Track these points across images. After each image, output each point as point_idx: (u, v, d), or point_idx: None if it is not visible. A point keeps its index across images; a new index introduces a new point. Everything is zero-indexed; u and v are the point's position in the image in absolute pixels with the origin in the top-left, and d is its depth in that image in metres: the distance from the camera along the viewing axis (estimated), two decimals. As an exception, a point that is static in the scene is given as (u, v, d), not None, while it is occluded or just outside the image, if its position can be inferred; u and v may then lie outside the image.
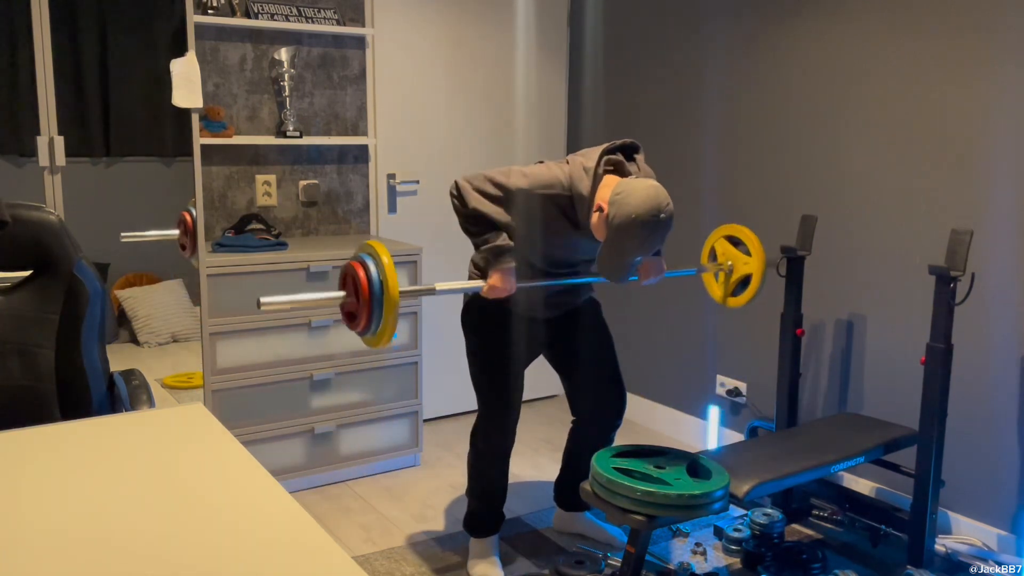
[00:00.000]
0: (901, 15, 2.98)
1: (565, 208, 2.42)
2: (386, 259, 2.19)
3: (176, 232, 3.27)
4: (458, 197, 2.46)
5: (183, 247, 3.21)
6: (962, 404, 2.84)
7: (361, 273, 2.21)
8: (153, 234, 3.36)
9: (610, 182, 2.34)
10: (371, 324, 2.22)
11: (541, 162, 2.52)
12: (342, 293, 2.28)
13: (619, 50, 4.12)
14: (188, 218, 3.12)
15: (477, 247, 2.49)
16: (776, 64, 3.41)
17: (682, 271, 2.92)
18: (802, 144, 3.35)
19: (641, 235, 2.22)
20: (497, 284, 2.41)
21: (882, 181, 3.09)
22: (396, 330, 2.24)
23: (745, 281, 2.91)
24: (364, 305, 2.20)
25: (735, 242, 2.94)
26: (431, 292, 2.39)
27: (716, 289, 2.99)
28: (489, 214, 2.43)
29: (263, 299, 2.14)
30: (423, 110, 3.96)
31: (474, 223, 2.46)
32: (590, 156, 2.42)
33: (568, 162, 2.46)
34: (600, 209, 2.31)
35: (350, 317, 2.29)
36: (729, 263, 2.92)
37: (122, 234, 3.25)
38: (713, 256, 2.99)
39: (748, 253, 2.88)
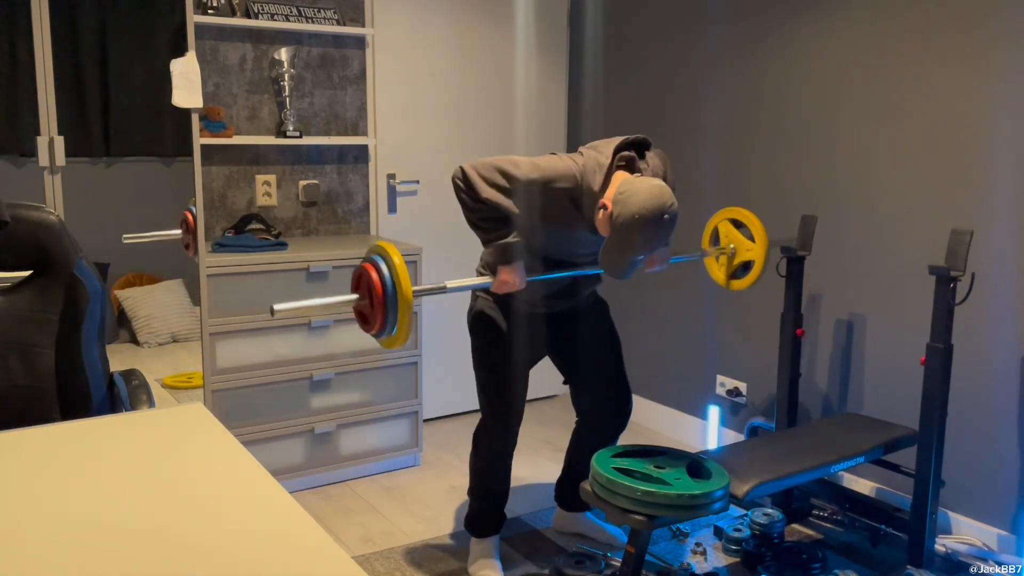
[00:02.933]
0: (901, 16, 2.98)
1: (573, 201, 2.41)
2: (397, 259, 2.20)
3: (179, 232, 3.28)
4: (464, 185, 2.39)
5: (186, 246, 3.21)
6: (962, 404, 2.84)
7: (374, 275, 2.21)
8: (155, 235, 3.36)
9: (618, 179, 2.35)
10: (386, 325, 2.24)
11: (553, 153, 2.50)
12: (355, 296, 2.29)
13: (619, 50, 4.12)
14: (190, 217, 3.13)
15: (485, 241, 2.45)
16: (776, 65, 3.41)
17: (685, 256, 2.89)
18: (802, 144, 3.35)
19: (645, 234, 2.22)
20: (507, 279, 2.43)
21: (882, 181, 3.09)
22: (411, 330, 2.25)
23: (747, 265, 2.90)
24: (379, 307, 2.21)
25: (738, 225, 2.92)
26: (442, 290, 2.39)
27: (718, 271, 2.97)
28: (499, 204, 2.37)
29: (276, 306, 2.15)
30: (423, 110, 3.96)
31: (482, 216, 2.40)
32: (603, 151, 2.41)
33: (582, 154, 2.44)
34: (604, 207, 2.31)
35: (363, 319, 2.30)
36: (732, 246, 2.90)
37: (124, 236, 3.26)
38: (715, 239, 2.97)
39: (751, 238, 2.88)
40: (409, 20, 3.86)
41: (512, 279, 2.43)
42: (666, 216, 2.22)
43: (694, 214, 3.73)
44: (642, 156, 2.48)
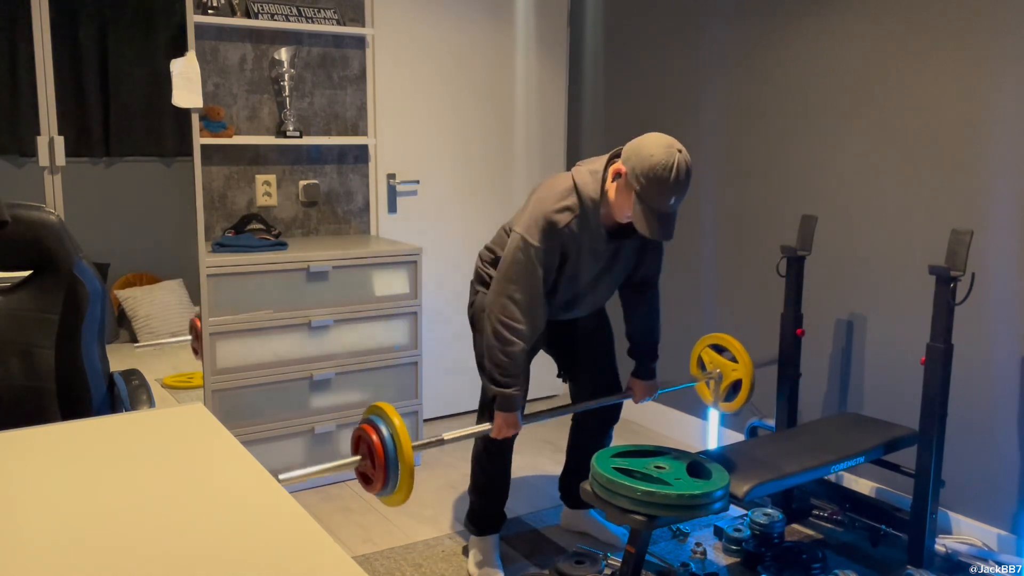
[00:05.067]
0: (902, 16, 2.98)
1: (581, 225, 2.44)
2: (397, 421, 2.27)
3: (189, 338, 3.35)
4: (497, 340, 2.46)
5: (195, 351, 3.26)
6: (962, 404, 2.84)
7: (374, 437, 2.28)
8: (166, 341, 3.45)
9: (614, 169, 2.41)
10: (387, 485, 2.30)
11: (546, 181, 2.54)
12: (357, 458, 2.35)
13: (619, 50, 4.12)
14: (198, 322, 3.17)
15: (490, 381, 2.51)
16: (776, 64, 3.41)
17: (675, 386, 3.06)
18: (802, 144, 3.35)
19: (666, 177, 2.28)
20: (506, 426, 2.55)
21: (882, 181, 3.09)
22: (412, 487, 2.31)
23: (736, 385, 2.98)
24: (380, 468, 2.28)
25: (719, 349, 3.03)
26: (440, 443, 2.50)
27: (708, 395, 3.08)
28: (515, 363, 2.46)
29: (282, 475, 2.19)
30: (423, 110, 3.96)
31: (499, 369, 2.47)
32: (595, 162, 2.50)
33: (573, 175, 2.50)
34: (619, 175, 2.37)
35: (365, 479, 2.36)
36: (717, 371, 3.01)
37: (135, 346, 3.37)
38: (701, 365, 3.07)
39: (734, 359, 2.98)
40: (409, 20, 3.86)
41: (511, 427, 2.55)
42: (679, 150, 2.30)
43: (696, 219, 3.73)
44: None
